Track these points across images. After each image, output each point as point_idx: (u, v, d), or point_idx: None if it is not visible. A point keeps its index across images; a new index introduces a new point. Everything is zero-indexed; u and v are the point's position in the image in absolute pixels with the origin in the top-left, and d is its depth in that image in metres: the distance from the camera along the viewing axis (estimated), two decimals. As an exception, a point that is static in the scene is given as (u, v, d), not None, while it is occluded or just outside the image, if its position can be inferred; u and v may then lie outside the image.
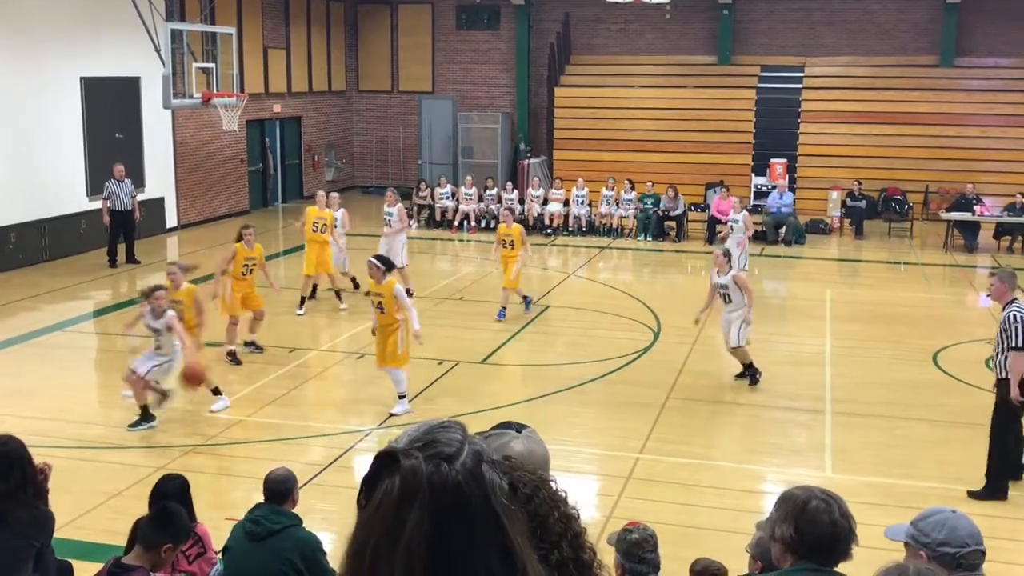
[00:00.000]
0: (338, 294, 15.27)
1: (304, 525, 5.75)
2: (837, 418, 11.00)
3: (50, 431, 10.37)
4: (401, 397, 10.91)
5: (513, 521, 1.53)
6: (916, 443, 10.39)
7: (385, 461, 1.53)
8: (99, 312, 15.93)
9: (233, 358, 12.64)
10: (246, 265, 12.85)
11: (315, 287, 15.53)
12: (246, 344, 13.07)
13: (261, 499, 5.81)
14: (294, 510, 5.60)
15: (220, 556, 5.45)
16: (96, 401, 11.59)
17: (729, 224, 17.46)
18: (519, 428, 2.55)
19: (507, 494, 1.55)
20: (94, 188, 19.26)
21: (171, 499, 5.30)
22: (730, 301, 11.87)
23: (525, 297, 15.32)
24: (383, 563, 1.47)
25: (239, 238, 12.94)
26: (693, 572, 5.52)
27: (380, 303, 10.86)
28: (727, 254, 12.31)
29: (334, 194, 15.82)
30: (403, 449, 1.52)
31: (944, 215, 22.03)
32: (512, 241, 14.94)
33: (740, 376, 12.07)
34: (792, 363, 13.18)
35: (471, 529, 1.49)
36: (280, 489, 5.57)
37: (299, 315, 14.85)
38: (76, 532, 8.07)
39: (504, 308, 14.78)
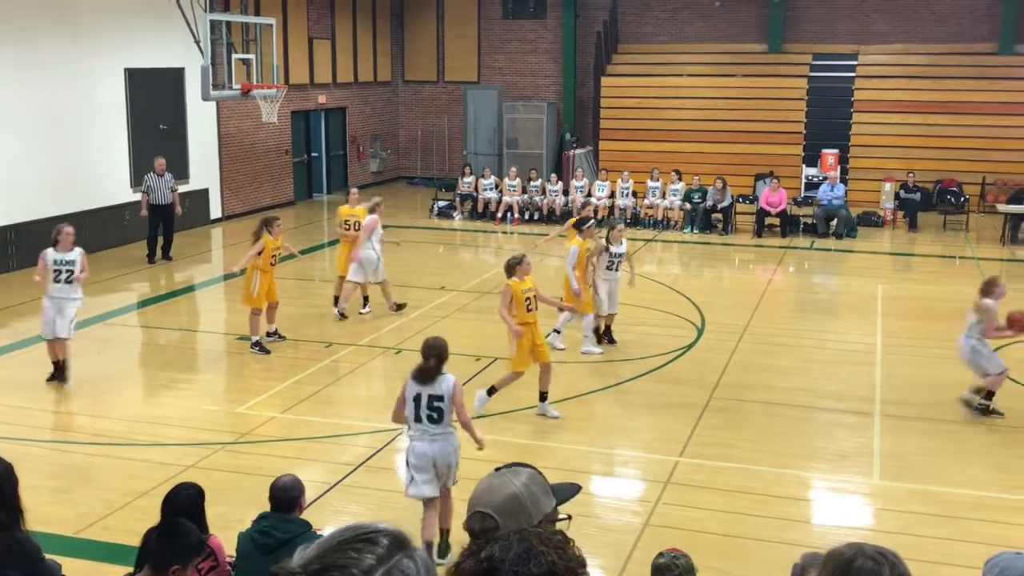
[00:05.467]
0: (365, 298, 14.85)
1: (316, 530, 5.57)
2: (887, 421, 10.59)
3: (80, 426, 10.33)
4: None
5: None
6: (970, 449, 9.97)
7: None
8: (140, 304, 15.92)
9: (260, 348, 12.75)
10: (274, 255, 12.89)
11: (366, 298, 14.72)
12: (269, 335, 13.09)
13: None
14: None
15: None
16: (127, 396, 11.49)
17: (611, 255, 12.99)
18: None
19: None
20: (138, 180, 19.27)
21: (183, 510, 5.12)
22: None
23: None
24: None
25: (267, 230, 12.79)
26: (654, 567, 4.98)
27: None
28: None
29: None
30: (290, 570, 1.25)
31: (1001, 208, 21.38)
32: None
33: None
34: (841, 361, 12.78)
35: None
36: (287, 497, 5.43)
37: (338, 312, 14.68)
38: (102, 533, 7.96)
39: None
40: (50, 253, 11.23)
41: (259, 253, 12.70)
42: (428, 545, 7.40)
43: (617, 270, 13.00)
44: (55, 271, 11.19)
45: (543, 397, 10.62)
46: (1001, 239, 20.81)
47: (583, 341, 12.96)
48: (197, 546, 4.66)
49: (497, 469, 2.51)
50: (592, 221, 13.62)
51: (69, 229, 11.40)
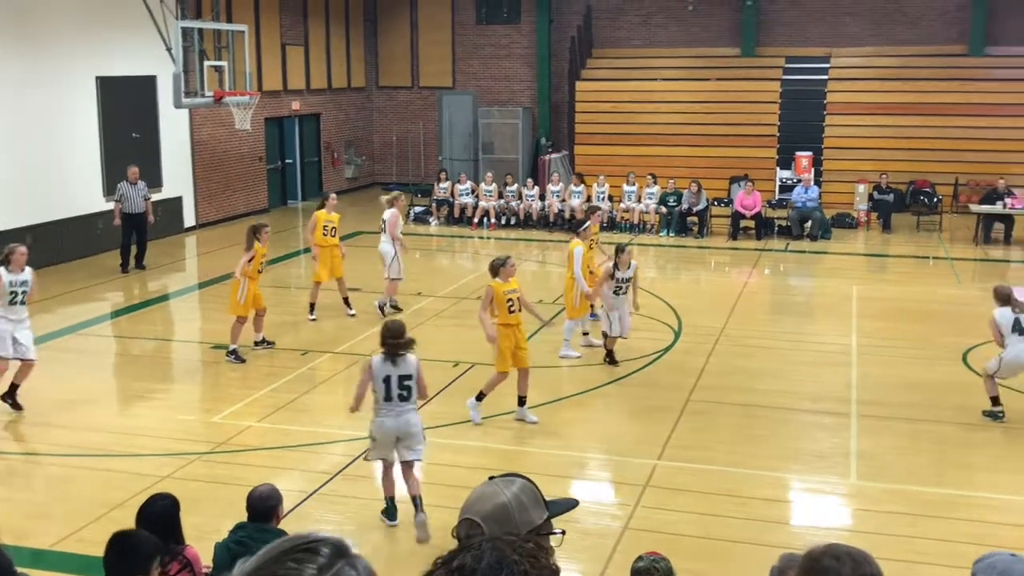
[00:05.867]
0: (346, 300, 14.83)
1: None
2: (863, 421, 10.65)
3: (54, 437, 10.22)
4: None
5: None
6: (945, 448, 10.03)
7: None
8: (114, 314, 15.79)
9: (236, 356, 12.65)
10: (261, 263, 12.88)
11: (347, 299, 14.81)
12: (257, 344, 13.03)
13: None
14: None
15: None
16: (102, 407, 11.38)
17: (618, 281, 12.44)
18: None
19: None
20: (110, 189, 19.11)
21: (158, 521, 5.06)
22: None
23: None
24: None
25: (255, 237, 12.74)
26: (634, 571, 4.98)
27: None
28: None
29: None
30: None
31: (974, 208, 21.55)
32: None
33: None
34: (817, 363, 12.83)
35: None
36: (264, 507, 5.41)
37: (311, 319, 14.60)
38: (77, 545, 7.87)
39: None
40: (3, 274, 10.70)
41: (249, 260, 12.65)
42: (391, 499, 8.23)
43: (624, 294, 12.64)
44: (11, 292, 10.71)
45: (521, 402, 10.59)
46: (974, 239, 20.97)
47: (562, 344, 12.97)
48: (155, 551, 4.59)
49: (491, 478, 2.51)
50: (588, 223, 13.65)
51: (22, 249, 10.96)
